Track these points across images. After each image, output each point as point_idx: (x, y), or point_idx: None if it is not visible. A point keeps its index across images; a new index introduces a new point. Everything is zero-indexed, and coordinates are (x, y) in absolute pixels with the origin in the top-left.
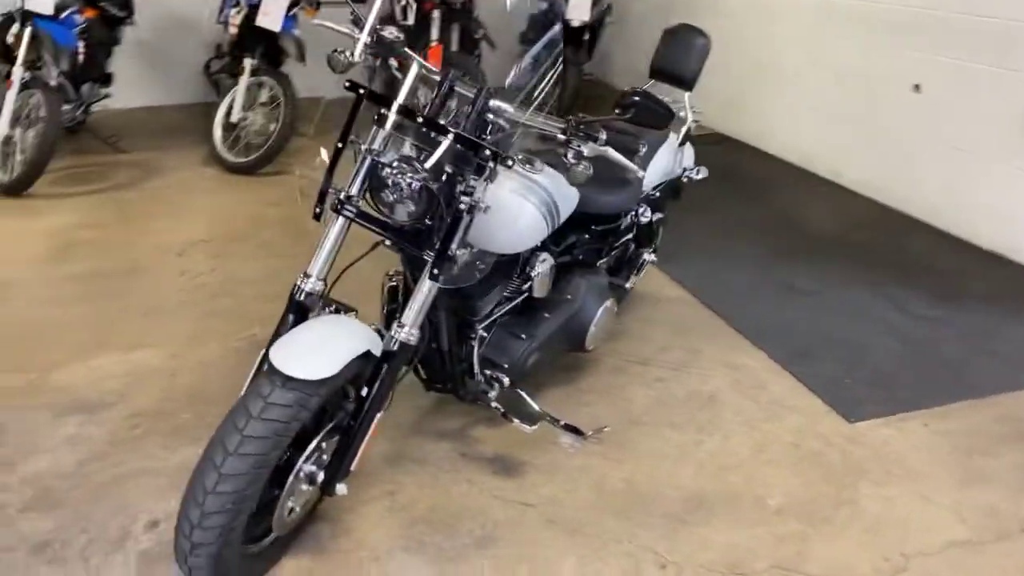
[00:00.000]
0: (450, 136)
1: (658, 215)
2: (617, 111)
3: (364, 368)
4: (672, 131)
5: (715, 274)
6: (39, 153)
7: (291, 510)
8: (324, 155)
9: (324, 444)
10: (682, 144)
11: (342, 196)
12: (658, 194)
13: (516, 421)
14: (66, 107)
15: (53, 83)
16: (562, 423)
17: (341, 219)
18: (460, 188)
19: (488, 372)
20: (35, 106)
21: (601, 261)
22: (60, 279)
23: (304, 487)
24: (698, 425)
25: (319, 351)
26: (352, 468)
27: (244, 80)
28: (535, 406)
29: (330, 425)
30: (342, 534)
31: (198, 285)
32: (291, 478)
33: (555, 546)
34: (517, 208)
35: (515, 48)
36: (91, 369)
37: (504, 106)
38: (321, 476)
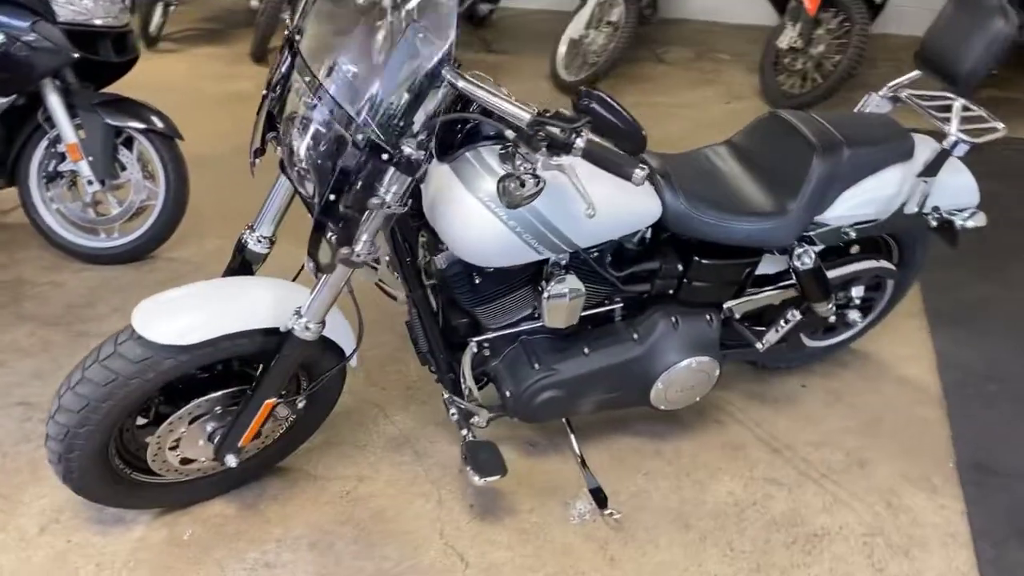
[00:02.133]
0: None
1: (861, 267)
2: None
3: (270, 345)
4: (923, 146)
5: (1001, 364)
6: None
7: (184, 460)
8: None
9: (219, 408)
10: (931, 171)
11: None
12: (851, 234)
13: (468, 468)
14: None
15: None
16: (591, 485)
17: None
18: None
19: (471, 395)
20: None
21: (730, 304)
22: None
23: (201, 442)
24: (759, 564)
25: (190, 315)
26: (240, 445)
27: None
28: (575, 445)
29: (232, 390)
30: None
31: None
32: (164, 425)
33: None
34: (474, 215)
35: None
36: None
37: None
38: (217, 438)
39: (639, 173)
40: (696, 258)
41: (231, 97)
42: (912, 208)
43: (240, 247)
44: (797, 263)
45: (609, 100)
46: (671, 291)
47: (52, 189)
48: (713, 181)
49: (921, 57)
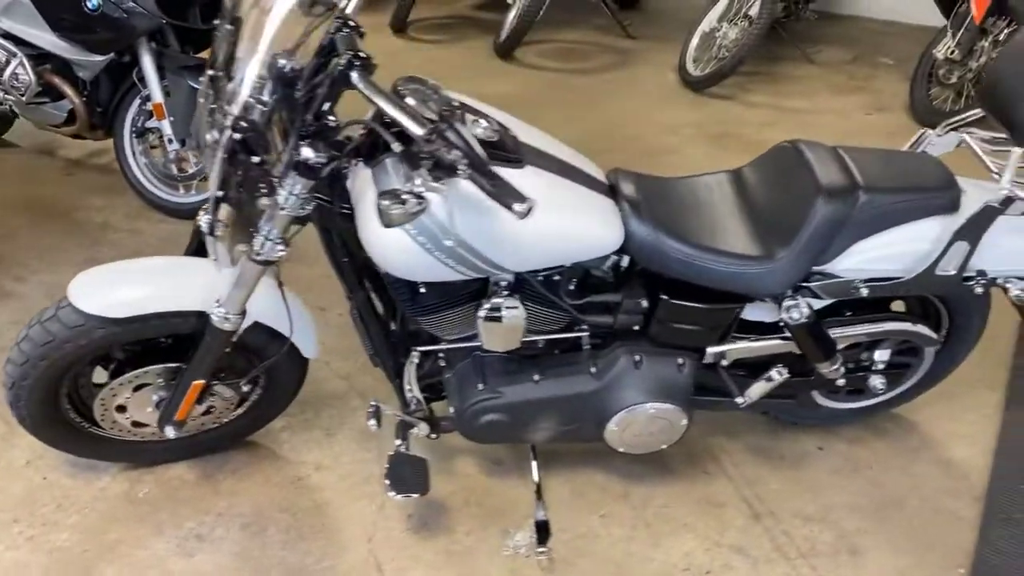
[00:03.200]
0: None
1: (883, 328)
2: None
3: (202, 328)
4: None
5: None
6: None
7: (135, 423)
8: None
9: (162, 380)
10: (974, 229)
11: None
12: (862, 291)
13: (386, 480)
14: None
15: None
16: (540, 515)
17: None
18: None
19: (418, 405)
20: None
21: (716, 349)
22: None
23: (149, 409)
24: None
25: (124, 290)
26: (177, 419)
27: None
28: (534, 471)
29: (173, 365)
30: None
31: None
32: (106, 389)
33: None
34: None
35: None
36: None
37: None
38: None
39: (520, 208)
40: (664, 296)
41: None
42: (948, 270)
43: (198, 230)
44: (786, 315)
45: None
46: (636, 327)
47: (141, 144)
48: (696, 214)
49: (982, 94)
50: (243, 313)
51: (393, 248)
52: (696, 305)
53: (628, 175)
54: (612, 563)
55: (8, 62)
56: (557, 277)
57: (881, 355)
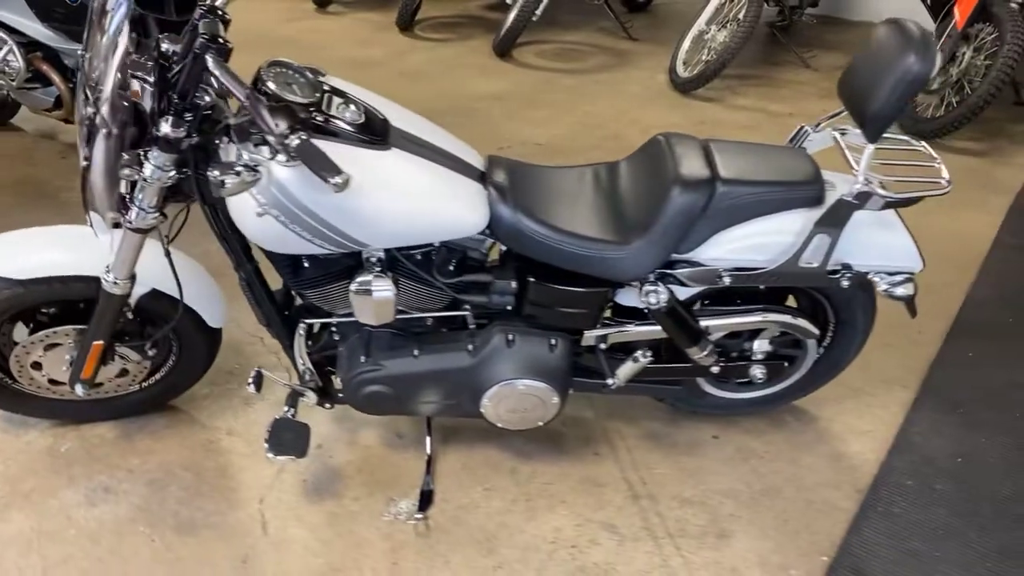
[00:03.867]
0: None
1: (755, 319)
2: None
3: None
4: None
5: (969, 469)
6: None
7: (52, 380)
8: None
9: (71, 342)
10: (831, 223)
11: None
12: (725, 280)
13: (265, 443)
14: None
15: None
16: (427, 486)
17: None
18: None
19: (311, 376)
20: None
21: (594, 333)
22: None
23: (64, 368)
24: None
25: (30, 253)
26: (83, 378)
27: None
28: (428, 444)
29: (79, 327)
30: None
31: None
32: (18, 347)
33: None
34: (240, 198)
35: None
36: None
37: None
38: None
39: (336, 180)
40: (531, 279)
41: (355, 62)
42: (812, 262)
43: None
44: (645, 300)
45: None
46: (510, 308)
47: None
48: (563, 200)
49: (840, 90)
50: (132, 278)
51: (255, 223)
52: (562, 288)
53: (504, 163)
54: (484, 533)
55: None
56: (433, 256)
57: (760, 345)
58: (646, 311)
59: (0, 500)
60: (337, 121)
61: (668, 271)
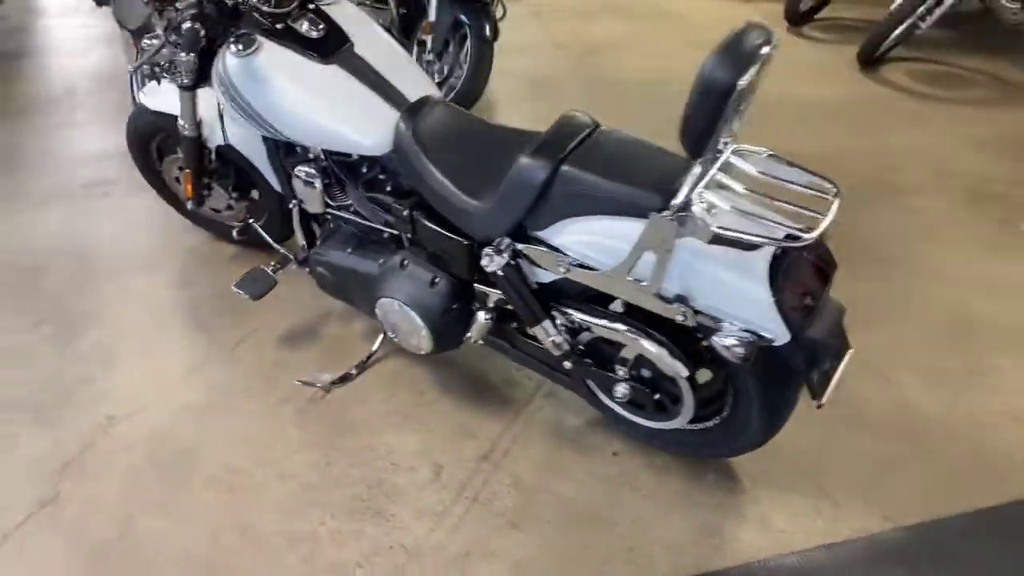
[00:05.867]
0: None
1: (609, 326)
2: None
3: None
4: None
5: None
6: None
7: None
8: None
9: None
10: (652, 239)
11: None
12: (569, 272)
13: (234, 287)
14: None
15: None
16: (351, 371)
17: None
18: None
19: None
20: None
21: (480, 288)
22: None
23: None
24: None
25: (156, 94)
26: (185, 195)
27: None
28: (378, 341)
29: None
30: None
31: None
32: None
33: None
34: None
35: None
36: None
37: None
38: None
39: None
40: (415, 212)
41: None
42: (642, 279)
43: None
44: (485, 261)
45: None
46: (409, 236)
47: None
48: (466, 151)
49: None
50: (198, 125)
51: (234, 132)
52: (432, 227)
53: (442, 104)
54: (348, 423)
55: None
56: (359, 168)
57: (624, 366)
58: (490, 274)
59: None
60: (294, 32)
61: (520, 245)
